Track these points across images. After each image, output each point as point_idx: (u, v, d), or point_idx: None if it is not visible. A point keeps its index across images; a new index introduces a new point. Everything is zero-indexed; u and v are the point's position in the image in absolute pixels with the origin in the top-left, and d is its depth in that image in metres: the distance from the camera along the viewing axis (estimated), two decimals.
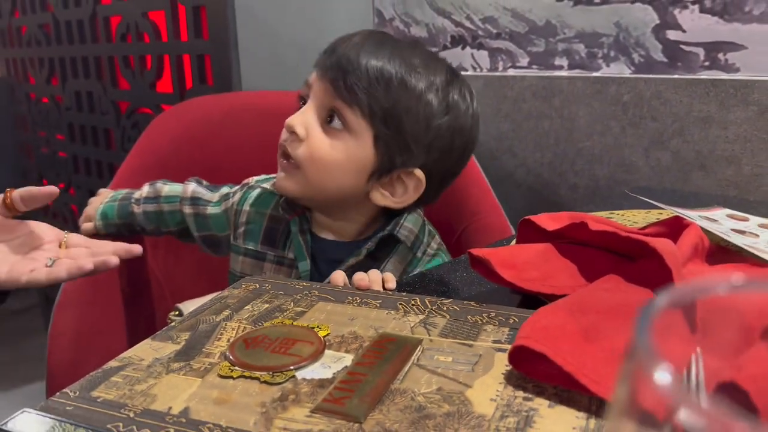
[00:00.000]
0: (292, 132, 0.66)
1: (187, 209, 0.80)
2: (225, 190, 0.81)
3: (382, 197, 0.69)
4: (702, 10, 0.92)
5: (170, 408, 0.36)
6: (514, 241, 0.67)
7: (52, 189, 0.63)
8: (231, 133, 1.09)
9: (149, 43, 1.41)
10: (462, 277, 0.62)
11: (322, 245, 0.74)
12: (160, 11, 1.35)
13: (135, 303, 0.94)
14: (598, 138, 1.04)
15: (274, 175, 0.76)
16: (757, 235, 0.61)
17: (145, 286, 0.99)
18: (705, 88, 0.92)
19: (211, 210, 0.79)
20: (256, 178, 0.81)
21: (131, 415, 0.36)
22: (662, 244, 0.48)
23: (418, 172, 0.68)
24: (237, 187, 0.81)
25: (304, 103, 0.69)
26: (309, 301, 0.50)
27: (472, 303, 0.49)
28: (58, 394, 0.38)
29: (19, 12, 2.03)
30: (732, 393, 0.26)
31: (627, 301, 0.45)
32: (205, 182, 0.84)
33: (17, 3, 2.02)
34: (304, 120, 0.66)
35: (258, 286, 0.54)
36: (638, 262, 0.53)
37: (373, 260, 0.71)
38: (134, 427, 0.34)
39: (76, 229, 0.80)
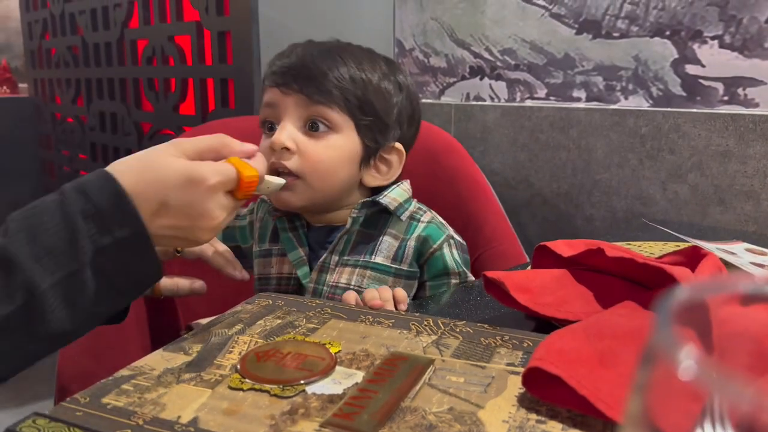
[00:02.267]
0: (283, 148, 0.68)
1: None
2: (251, 204, 0.83)
3: (373, 178, 0.75)
4: (721, 46, 0.92)
5: (179, 417, 0.36)
6: (528, 268, 0.67)
7: (199, 285, 0.68)
8: None
9: (174, 67, 1.45)
10: (476, 301, 0.62)
11: (318, 233, 0.76)
12: (186, 36, 1.38)
13: (148, 321, 0.94)
14: (616, 170, 1.04)
15: None
16: None
17: (158, 304, 0.99)
18: (724, 122, 0.92)
19: (239, 222, 0.82)
20: (260, 201, 0.83)
21: (140, 422, 0.35)
22: (680, 272, 0.48)
23: (398, 145, 0.75)
24: (250, 208, 0.83)
25: (271, 127, 0.71)
26: (321, 318, 0.50)
27: (485, 325, 0.49)
28: (68, 399, 0.38)
29: (50, 35, 2.09)
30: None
31: (644, 327, 0.44)
32: None
33: (48, 26, 2.08)
34: (289, 134, 0.68)
35: (271, 302, 0.54)
36: (655, 290, 0.53)
37: (368, 237, 0.74)
38: None
39: None
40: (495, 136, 1.20)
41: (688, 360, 0.12)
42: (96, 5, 1.73)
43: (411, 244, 0.72)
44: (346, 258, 0.73)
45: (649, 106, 1.00)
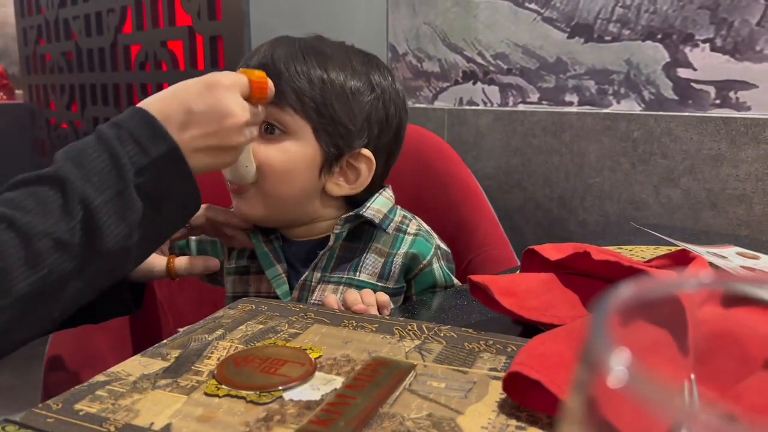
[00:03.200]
0: None
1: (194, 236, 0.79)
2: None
3: (338, 187, 0.69)
4: (713, 49, 0.92)
5: (152, 424, 0.35)
6: (518, 272, 0.66)
7: (213, 263, 0.68)
8: None
9: (167, 72, 1.44)
10: (462, 306, 0.61)
11: (295, 248, 0.72)
12: (179, 41, 1.38)
13: (136, 328, 0.94)
14: (608, 174, 1.03)
15: None
16: None
17: (147, 312, 0.99)
18: (716, 126, 0.91)
19: (210, 237, 0.78)
20: None
21: (112, 429, 0.35)
22: (666, 275, 0.47)
23: (365, 151, 0.68)
24: None
25: None
26: (304, 323, 0.49)
27: (469, 330, 0.48)
28: (40, 405, 0.37)
29: (44, 40, 2.09)
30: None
31: None
32: None
33: (43, 31, 2.08)
34: None
35: (254, 307, 0.53)
36: None
37: (352, 252, 0.70)
38: None
39: None
40: (488, 141, 1.19)
41: (618, 366, 0.11)
42: (89, 11, 1.73)
43: (398, 261, 0.69)
44: (328, 275, 0.69)
45: (641, 110, 1.00)
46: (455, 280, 0.73)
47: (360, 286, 0.67)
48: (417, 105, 1.33)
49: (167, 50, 1.43)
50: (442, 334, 0.47)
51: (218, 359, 0.43)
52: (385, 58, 1.37)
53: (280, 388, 0.39)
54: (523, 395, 0.37)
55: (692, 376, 0.25)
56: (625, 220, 1.02)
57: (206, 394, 0.39)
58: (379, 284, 0.68)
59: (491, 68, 1.19)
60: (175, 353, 0.45)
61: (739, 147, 0.89)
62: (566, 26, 1.07)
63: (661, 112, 0.97)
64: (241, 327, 0.49)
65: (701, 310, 0.24)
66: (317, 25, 1.30)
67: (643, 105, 1.00)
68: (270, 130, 0.65)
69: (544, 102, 1.12)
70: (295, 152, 0.66)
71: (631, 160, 1.00)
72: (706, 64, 0.93)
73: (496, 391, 0.39)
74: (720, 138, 0.91)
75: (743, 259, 0.66)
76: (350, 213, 0.68)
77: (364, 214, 0.68)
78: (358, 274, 0.68)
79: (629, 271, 0.51)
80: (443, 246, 0.74)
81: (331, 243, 0.68)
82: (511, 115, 1.15)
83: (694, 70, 0.94)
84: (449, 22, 1.25)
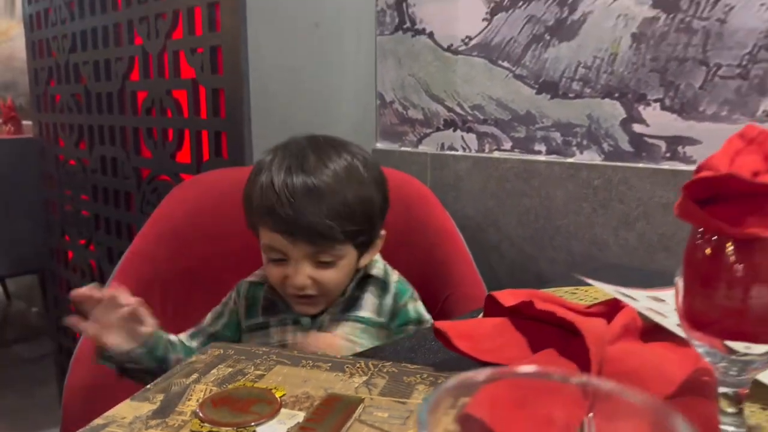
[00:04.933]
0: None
1: (204, 339, 0.90)
2: (218, 308, 0.92)
3: (364, 260, 0.87)
4: (663, 108, 1.03)
5: None
6: (481, 315, 0.76)
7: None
8: (240, 204, 1.20)
9: (172, 118, 1.55)
10: (430, 345, 0.71)
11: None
12: (183, 90, 1.49)
13: None
14: (573, 217, 1.14)
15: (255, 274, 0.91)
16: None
17: None
18: (666, 177, 1.02)
19: (221, 325, 0.91)
20: (242, 282, 0.93)
21: None
22: (587, 324, 0.57)
23: (383, 232, 0.88)
24: (230, 295, 0.93)
25: (278, 259, 0.81)
26: (268, 365, 0.59)
27: (408, 365, 0.58)
28: None
29: (55, 81, 2.20)
30: None
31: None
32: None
33: (54, 73, 2.20)
34: (305, 274, 0.80)
35: (222, 351, 0.63)
36: (576, 338, 0.62)
37: (353, 299, 0.87)
38: None
39: (92, 281, 0.92)
40: (467, 183, 1.30)
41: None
42: (99, 57, 1.85)
43: (388, 301, 0.87)
44: (338, 315, 0.85)
45: (601, 160, 1.11)
46: (428, 316, 0.89)
47: (364, 321, 0.85)
48: (403, 148, 1.44)
49: (172, 98, 1.54)
50: (385, 370, 0.57)
51: (197, 400, 0.53)
52: (374, 105, 1.48)
53: (253, 424, 0.48)
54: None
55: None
56: (589, 259, 1.12)
57: (192, 431, 0.48)
58: (380, 319, 0.86)
59: (469, 118, 1.30)
60: (159, 396, 0.54)
61: None
62: (535, 83, 1.18)
63: (618, 163, 1.08)
64: (213, 371, 0.59)
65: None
66: (312, 77, 1.42)
67: (602, 155, 1.10)
68: (323, 262, 0.80)
69: (516, 150, 1.23)
70: (346, 266, 0.83)
71: (592, 204, 1.11)
72: (657, 121, 1.04)
73: None
74: (670, 188, 1.01)
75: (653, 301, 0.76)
76: (361, 273, 0.87)
77: (373, 274, 0.88)
78: (361, 311, 0.86)
79: (562, 321, 0.61)
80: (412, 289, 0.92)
81: (347, 295, 0.86)
82: (487, 161, 1.26)
83: (647, 126, 1.05)
84: (431, 75, 1.36)
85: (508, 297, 0.71)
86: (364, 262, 0.87)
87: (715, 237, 0.47)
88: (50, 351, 2.54)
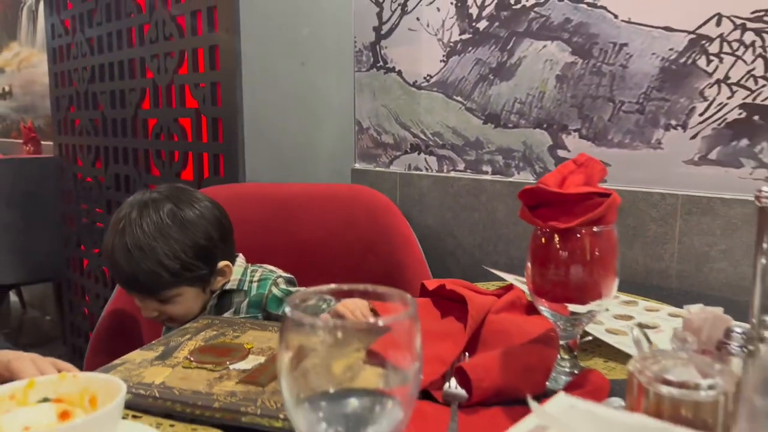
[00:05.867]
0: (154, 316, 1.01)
1: None
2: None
3: (217, 284, 1.04)
4: (581, 137, 1.23)
5: (153, 381, 0.65)
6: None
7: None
8: (235, 214, 1.41)
9: (177, 142, 1.78)
10: None
11: None
12: (188, 118, 1.72)
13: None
14: (513, 227, 1.34)
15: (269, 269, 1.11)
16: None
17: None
18: None
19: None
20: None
21: (131, 384, 0.65)
22: (476, 300, 0.77)
23: (222, 263, 1.03)
24: None
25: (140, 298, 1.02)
26: (243, 330, 0.80)
27: None
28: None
29: (75, 108, 2.45)
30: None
31: (453, 328, 0.74)
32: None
33: (74, 100, 2.44)
34: (152, 308, 1.00)
35: (210, 321, 0.84)
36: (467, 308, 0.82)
37: (220, 308, 1.04)
38: (133, 389, 0.63)
39: (104, 287, 1.14)
40: (428, 199, 1.51)
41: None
42: (115, 88, 2.09)
43: (256, 298, 1.03)
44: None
45: (534, 179, 1.31)
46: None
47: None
48: (377, 168, 1.65)
49: (179, 125, 1.77)
50: None
51: (189, 350, 0.73)
52: (353, 130, 1.70)
53: (228, 363, 0.69)
54: None
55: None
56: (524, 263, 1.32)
57: (183, 367, 0.68)
58: (258, 315, 1.03)
59: (430, 143, 1.51)
60: (160, 348, 0.74)
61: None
62: (482, 114, 1.39)
63: None
64: (201, 333, 0.79)
65: None
66: (298, 107, 1.64)
67: (535, 175, 1.31)
68: (164, 299, 0.99)
69: (468, 170, 1.44)
70: (188, 299, 1.00)
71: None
72: (577, 147, 1.24)
73: None
74: None
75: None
76: (218, 290, 1.04)
77: (226, 287, 1.04)
78: (241, 314, 1.03)
79: (460, 297, 0.81)
80: (285, 275, 1.08)
81: (207, 312, 1.03)
82: (445, 180, 1.47)
83: (569, 151, 1.25)
84: (399, 106, 1.57)
85: (432, 283, 0.92)
86: (216, 286, 1.02)
87: (546, 231, 0.69)
88: (63, 353, 2.75)
